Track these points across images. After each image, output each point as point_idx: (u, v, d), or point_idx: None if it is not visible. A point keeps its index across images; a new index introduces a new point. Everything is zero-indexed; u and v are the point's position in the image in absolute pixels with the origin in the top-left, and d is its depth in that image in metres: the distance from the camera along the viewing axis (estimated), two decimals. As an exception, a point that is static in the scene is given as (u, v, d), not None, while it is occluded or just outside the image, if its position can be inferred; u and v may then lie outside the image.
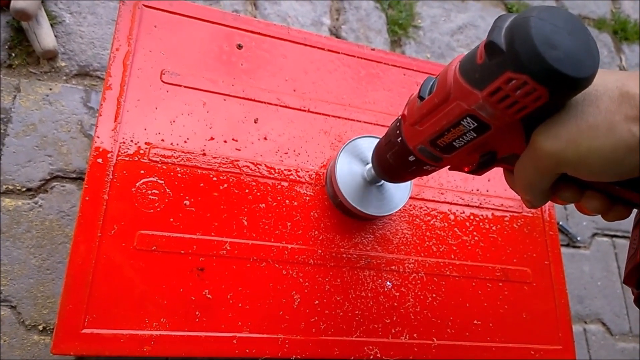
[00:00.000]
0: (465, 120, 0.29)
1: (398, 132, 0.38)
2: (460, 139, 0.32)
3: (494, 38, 0.25)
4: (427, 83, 0.33)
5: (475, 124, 0.29)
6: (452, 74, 0.29)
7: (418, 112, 0.34)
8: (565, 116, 0.26)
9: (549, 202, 0.69)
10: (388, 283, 0.56)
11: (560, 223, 1.09)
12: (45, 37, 0.74)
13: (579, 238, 1.10)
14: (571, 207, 1.12)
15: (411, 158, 0.38)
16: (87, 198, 0.47)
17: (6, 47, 0.75)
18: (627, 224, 1.15)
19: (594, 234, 1.13)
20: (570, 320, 0.64)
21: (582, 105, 0.25)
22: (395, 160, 0.41)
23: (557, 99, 0.25)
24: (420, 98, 0.33)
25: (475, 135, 0.30)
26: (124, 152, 0.50)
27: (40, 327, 0.65)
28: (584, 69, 0.24)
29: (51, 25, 0.77)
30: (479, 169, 0.34)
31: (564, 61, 0.23)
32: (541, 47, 0.23)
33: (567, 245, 1.09)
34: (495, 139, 0.30)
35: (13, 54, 0.75)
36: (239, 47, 0.59)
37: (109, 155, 0.49)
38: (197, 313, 0.47)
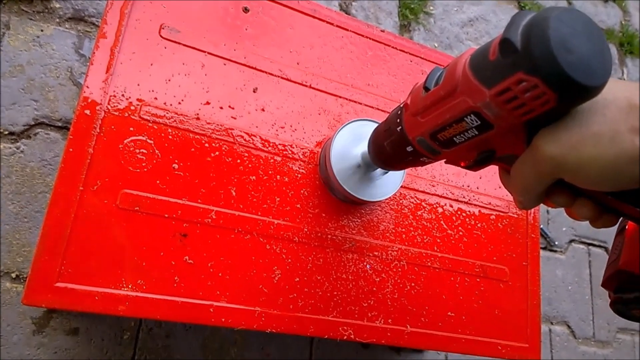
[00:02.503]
0: (469, 117, 0.29)
1: (398, 120, 0.37)
2: (462, 135, 0.31)
3: (510, 35, 0.24)
4: (434, 73, 0.32)
5: (479, 122, 0.29)
6: (462, 68, 0.28)
7: (421, 103, 0.33)
8: (570, 122, 0.25)
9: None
10: (367, 265, 0.56)
11: (541, 226, 1.11)
12: (40, -27, 0.70)
13: (556, 242, 1.12)
14: (553, 211, 1.14)
15: (409, 148, 0.37)
16: (71, 149, 0.45)
17: (-4, -21, 0.71)
18: (604, 233, 1.18)
19: (571, 240, 1.16)
20: (540, 320, 0.66)
21: (588, 112, 0.25)
22: (392, 149, 0.40)
23: (565, 105, 0.25)
24: (426, 89, 0.32)
25: (477, 133, 0.30)
26: (114, 106, 0.48)
27: (14, 275, 0.64)
28: (597, 78, 0.23)
29: (47, -39, 0.72)
30: (475, 165, 0.34)
31: (578, 67, 0.23)
32: (557, 51, 0.22)
33: (545, 249, 1.12)
34: (496, 139, 0.30)
35: (3, -12, 0.71)
36: (245, 10, 0.56)
37: (97, 107, 0.47)
38: (175, 278, 0.47)
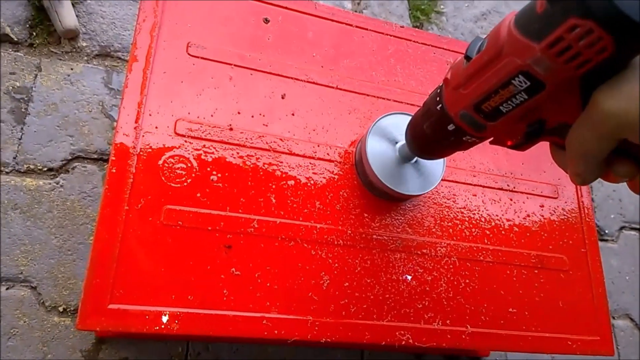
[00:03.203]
0: (517, 78, 0.27)
1: (438, 99, 0.35)
2: (509, 102, 0.29)
3: None
4: (475, 42, 0.31)
5: (528, 83, 0.27)
6: (507, 28, 0.27)
7: (464, 74, 0.31)
8: (630, 74, 0.23)
9: (586, 189, 0.65)
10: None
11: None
12: (67, 16, 0.73)
13: (606, 231, 1.06)
14: (599, 198, 1.09)
15: (450, 127, 0.35)
16: (113, 170, 0.45)
17: (27, 26, 0.74)
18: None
19: (622, 227, 1.09)
20: (608, 310, 0.61)
21: None
22: (432, 131, 0.38)
23: (622, 52, 0.23)
24: (467, 58, 0.31)
25: (526, 97, 0.28)
26: (151, 125, 0.48)
27: (61, 309, 0.64)
28: None
29: (72, 4, 0.76)
30: (524, 142, 0.32)
31: (635, 7, 0.21)
32: None
33: (594, 239, 1.05)
34: (547, 103, 0.28)
35: (34, 33, 0.74)
36: (266, 21, 0.57)
37: (135, 127, 0.48)
38: (224, 291, 0.46)
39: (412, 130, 0.43)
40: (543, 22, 0.24)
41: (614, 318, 1.00)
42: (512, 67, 0.27)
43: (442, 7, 1.08)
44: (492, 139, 0.34)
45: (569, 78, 0.25)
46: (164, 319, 0.43)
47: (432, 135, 0.38)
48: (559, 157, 0.31)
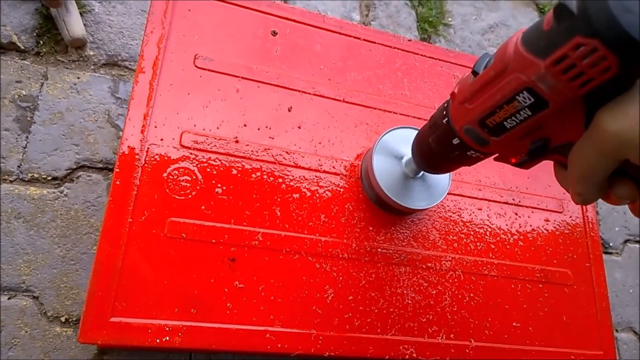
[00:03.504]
0: (521, 94, 0.27)
1: (445, 112, 0.36)
2: (513, 118, 0.29)
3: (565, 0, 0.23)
4: (483, 58, 0.31)
5: (532, 100, 0.27)
6: (513, 45, 0.27)
7: (470, 88, 0.31)
8: (634, 94, 0.23)
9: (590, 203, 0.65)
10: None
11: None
12: (74, 25, 0.74)
13: (611, 244, 1.06)
14: (604, 211, 1.08)
15: (455, 141, 0.35)
16: (118, 182, 0.45)
17: (34, 34, 0.75)
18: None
19: (626, 240, 1.09)
20: (612, 325, 0.60)
21: None
22: (437, 145, 0.38)
23: (626, 73, 0.23)
24: (474, 73, 0.31)
25: (530, 113, 0.28)
26: (156, 137, 0.48)
27: (63, 319, 0.64)
28: None
29: (80, 13, 0.76)
30: (528, 160, 0.32)
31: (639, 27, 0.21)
32: (615, 10, 0.21)
33: (598, 251, 1.05)
34: (551, 122, 0.28)
35: (41, 42, 0.75)
36: (274, 33, 0.57)
37: (140, 139, 0.48)
38: (228, 304, 0.45)
39: (419, 144, 0.43)
40: (549, 39, 0.24)
41: (617, 331, 0.99)
42: (517, 83, 0.27)
43: (449, 19, 1.08)
44: (496, 155, 0.34)
45: (573, 97, 0.25)
46: (167, 333, 0.43)
47: (437, 149, 0.39)
48: (562, 177, 0.31)
